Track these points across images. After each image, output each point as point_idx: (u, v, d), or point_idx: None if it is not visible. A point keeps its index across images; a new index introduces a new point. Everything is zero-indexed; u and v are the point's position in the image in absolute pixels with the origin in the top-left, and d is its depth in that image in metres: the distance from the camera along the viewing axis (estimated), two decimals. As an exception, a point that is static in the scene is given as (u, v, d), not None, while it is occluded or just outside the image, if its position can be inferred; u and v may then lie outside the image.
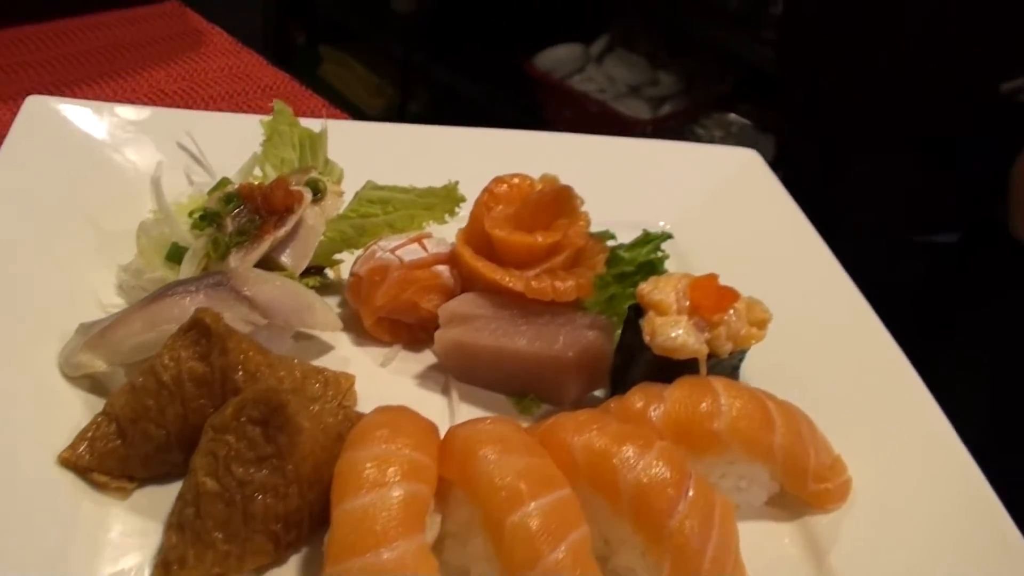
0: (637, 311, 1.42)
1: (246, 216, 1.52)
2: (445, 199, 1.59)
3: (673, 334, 1.34)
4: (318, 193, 1.58)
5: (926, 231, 2.84)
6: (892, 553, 1.28)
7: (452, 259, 1.53)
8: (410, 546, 1.03)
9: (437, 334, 1.44)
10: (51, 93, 1.93)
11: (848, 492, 1.36)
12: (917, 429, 1.43)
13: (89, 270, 1.50)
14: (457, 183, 1.60)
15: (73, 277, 1.48)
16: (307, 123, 1.76)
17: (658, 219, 1.88)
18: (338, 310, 1.58)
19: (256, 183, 1.63)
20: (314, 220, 1.54)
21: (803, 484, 1.32)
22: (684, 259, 1.80)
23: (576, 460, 1.19)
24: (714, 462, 1.30)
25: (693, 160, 2.01)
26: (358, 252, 1.58)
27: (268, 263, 1.51)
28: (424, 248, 1.53)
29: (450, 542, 1.16)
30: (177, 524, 1.14)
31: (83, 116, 1.76)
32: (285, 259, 1.51)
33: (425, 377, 1.49)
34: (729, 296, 1.38)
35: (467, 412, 1.44)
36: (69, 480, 1.18)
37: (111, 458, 1.22)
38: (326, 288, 1.60)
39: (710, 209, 1.90)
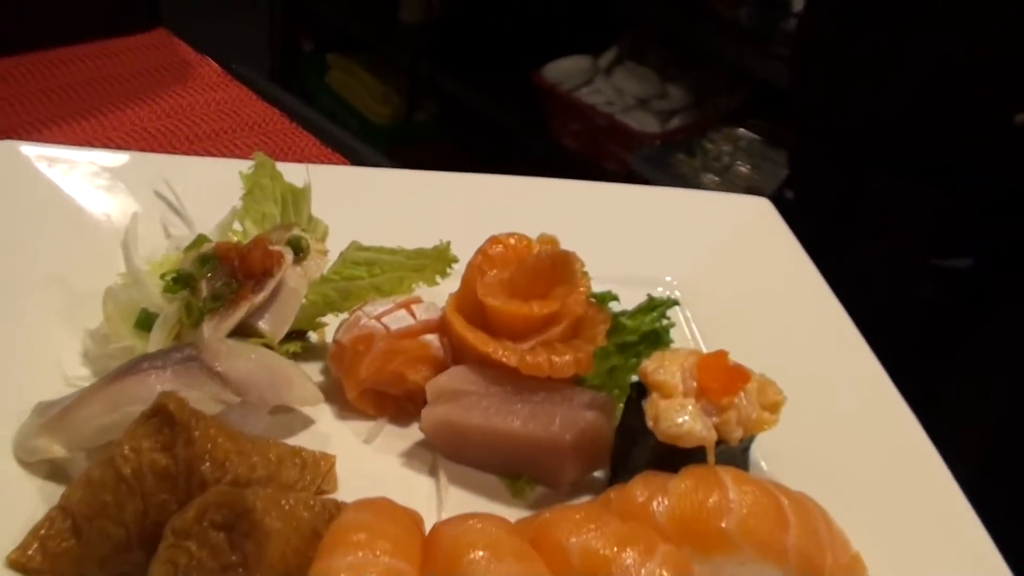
0: (640, 390, 1.32)
1: (222, 279, 1.42)
2: (436, 260, 1.49)
3: (679, 420, 1.24)
4: (300, 252, 1.48)
5: (939, 255, 2.79)
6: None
7: (442, 327, 1.43)
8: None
9: (425, 411, 1.34)
10: (24, 133, 1.84)
11: (867, 593, 1.25)
12: (942, 522, 1.33)
13: (53, 336, 1.41)
14: (449, 243, 1.49)
15: (35, 344, 1.38)
16: (292, 170, 1.65)
17: (663, 274, 1.78)
18: (320, 377, 1.48)
19: (235, 240, 1.53)
20: (295, 283, 1.45)
21: (819, 586, 1.21)
22: (690, 318, 1.71)
23: (572, 564, 1.10)
24: (722, 562, 1.19)
25: (701, 209, 1.92)
26: (343, 315, 1.48)
27: (245, 329, 1.41)
28: (412, 315, 1.43)
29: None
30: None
31: (52, 162, 1.67)
32: (263, 325, 1.42)
33: (412, 456, 1.38)
34: (740, 377, 1.28)
35: (456, 496, 1.33)
36: (18, 585, 1.09)
37: (65, 559, 1.11)
38: (309, 352, 1.50)
39: (719, 264, 1.80)
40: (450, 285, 1.51)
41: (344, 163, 2.06)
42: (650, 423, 1.26)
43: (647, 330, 1.46)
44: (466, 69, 4.98)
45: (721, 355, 1.31)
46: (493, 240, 1.47)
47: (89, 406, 1.23)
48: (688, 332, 1.69)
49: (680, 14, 4.27)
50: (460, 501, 1.32)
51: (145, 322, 1.38)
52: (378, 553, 1.04)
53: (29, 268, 1.48)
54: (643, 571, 1.08)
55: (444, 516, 1.24)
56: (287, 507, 1.12)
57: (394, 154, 4.97)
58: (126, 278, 1.42)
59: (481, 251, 1.46)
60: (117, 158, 1.75)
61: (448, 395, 1.34)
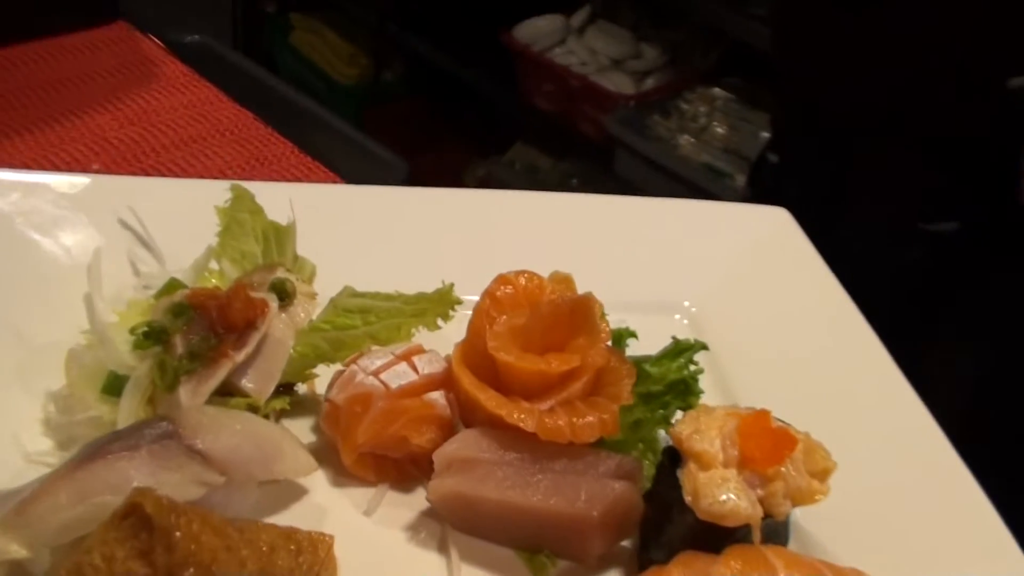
0: (672, 457, 1.18)
1: (198, 333, 1.26)
2: (438, 303, 1.34)
3: (722, 497, 1.10)
4: (285, 297, 1.33)
5: (927, 219, 2.74)
6: None
7: (448, 381, 1.28)
8: None
9: (433, 483, 1.20)
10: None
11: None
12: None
13: (8, 401, 1.25)
14: (452, 286, 1.34)
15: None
16: (271, 192, 1.49)
17: (680, 298, 1.63)
18: (312, 436, 1.34)
19: (212, 282, 1.38)
20: (281, 333, 1.30)
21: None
22: (710, 345, 1.57)
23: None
24: (775, 658, 1.07)
25: (716, 224, 1.77)
26: (335, 365, 1.33)
27: (227, 387, 1.26)
28: (414, 368, 1.28)
29: None
30: None
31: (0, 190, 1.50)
32: (247, 384, 1.27)
33: (418, 528, 1.24)
34: (786, 443, 1.15)
35: (469, 575, 1.20)
36: None
37: None
38: (298, 407, 1.36)
39: (739, 286, 1.66)
40: (453, 329, 1.37)
41: (326, 174, 1.90)
42: (688, 498, 1.12)
43: (674, 379, 1.32)
44: (435, 29, 4.82)
45: (764, 417, 1.17)
46: (501, 280, 1.33)
47: (52, 497, 1.08)
48: (708, 356, 1.55)
49: (653, -29, 4.12)
50: (472, 582, 1.19)
51: (113, 386, 1.23)
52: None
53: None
54: None
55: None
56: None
57: (362, 117, 4.81)
58: (90, 337, 1.26)
59: (488, 293, 1.31)
60: (75, 183, 1.58)
61: (458, 465, 1.20)
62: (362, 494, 1.27)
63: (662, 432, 1.33)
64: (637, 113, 4.21)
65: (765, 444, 1.14)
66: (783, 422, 1.20)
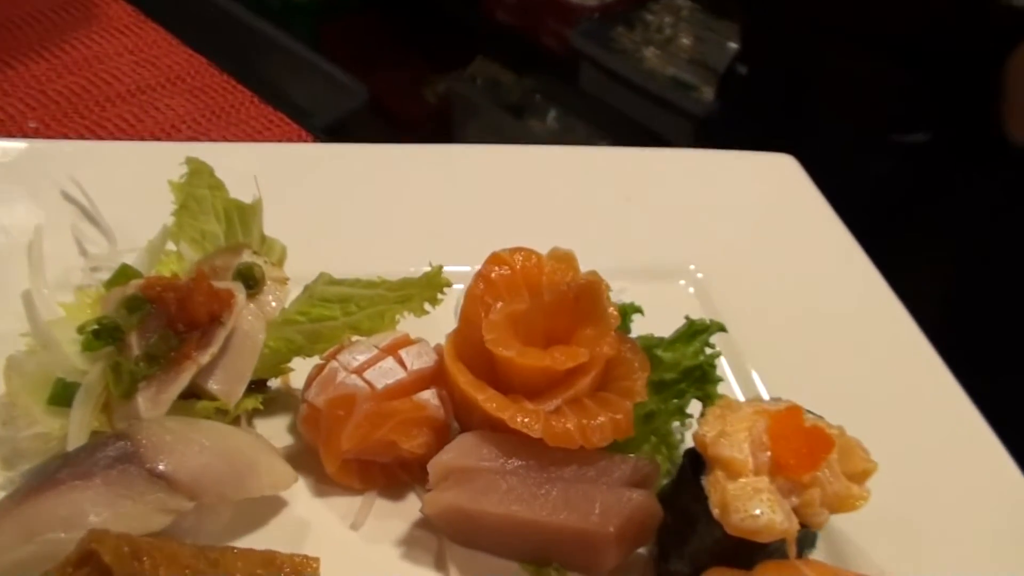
0: (694, 462, 1.06)
1: (157, 330, 1.12)
2: (426, 287, 1.19)
3: (755, 511, 0.98)
4: (253, 284, 1.18)
5: (898, 130, 2.64)
6: None
7: (440, 376, 1.15)
8: None
9: (429, 497, 1.08)
10: None
11: None
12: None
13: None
14: (441, 268, 1.20)
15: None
16: (229, 153, 1.33)
17: (685, 261, 1.50)
18: (289, 439, 1.20)
19: (170, 270, 1.23)
20: (251, 326, 1.16)
21: None
22: (719, 309, 1.44)
23: None
24: None
25: (719, 176, 1.64)
26: (312, 359, 1.19)
27: (192, 389, 1.12)
28: (401, 363, 1.14)
29: None
30: None
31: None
32: (214, 386, 1.13)
33: (411, 541, 1.12)
34: (822, 445, 1.03)
35: (470, 595, 1.08)
36: None
37: None
38: (272, 405, 1.22)
39: (746, 245, 1.54)
40: (441, 309, 1.23)
41: (289, 126, 1.73)
42: (715, 511, 1.00)
43: (689, 365, 1.19)
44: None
45: (795, 414, 1.05)
46: (495, 259, 1.18)
47: (-4, 535, 0.94)
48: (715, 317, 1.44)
49: None
50: (475, 604, 1.08)
51: (62, 396, 1.08)
52: None
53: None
54: None
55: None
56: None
57: (318, 33, 4.58)
58: (31, 340, 1.11)
59: (481, 276, 1.17)
60: (8, 148, 1.42)
61: (456, 475, 1.07)
62: (348, 504, 1.14)
63: (676, 423, 1.21)
64: (601, 25, 4.03)
65: (799, 447, 1.02)
66: (814, 415, 1.08)
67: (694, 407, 1.20)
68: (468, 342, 1.14)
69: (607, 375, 1.14)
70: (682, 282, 1.48)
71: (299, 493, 1.14)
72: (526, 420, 1.07)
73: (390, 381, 1.12)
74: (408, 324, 1.23)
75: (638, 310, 1.29)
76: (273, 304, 1.19)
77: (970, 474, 1.22)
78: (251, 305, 1.17)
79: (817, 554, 1.11)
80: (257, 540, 1.08)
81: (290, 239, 1.29)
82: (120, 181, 1.40)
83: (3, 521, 0.95)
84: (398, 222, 1.43)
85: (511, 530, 1.07)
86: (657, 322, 1.27)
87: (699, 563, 1.05)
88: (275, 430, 1.20)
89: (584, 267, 1.19)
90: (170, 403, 1.08)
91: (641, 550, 1.14)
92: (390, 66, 4.42)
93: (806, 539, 1.07)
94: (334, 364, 1.14)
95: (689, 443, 1.19)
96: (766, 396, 1.30)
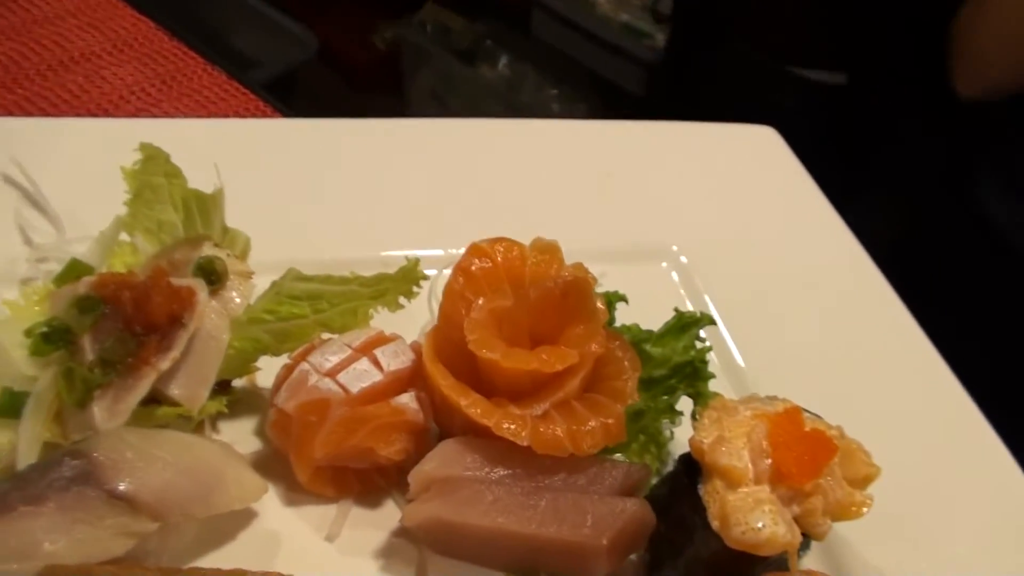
0: (689, 468, 1.01)
1: (112, 332, 1.03)
2: (401, 281, 1.12)
3: (757, 524, 0.94)
4: (215, 280, 1.10)
5: (805, 65, 2.68)
6: None
7: (417, 377, 1.09)
8: None
9: (409, 509, 1.02)
10: None
11: None
12: None
13: None
14: (418, 261, 1.13)
15: None
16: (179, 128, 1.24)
17: (668, 241, 1.44)
18: (257, 443, 1.13)
19: (125, 263, 1.14)
20: (214, 325, 1.08)
21: None
22: (704, 293, 1.39)
23: None
24: None
25: (699, 149, 1.58)
26: (280, 358, 1.12)
27: (152, 394, 1.04)
28: (377, 364, 1.07)
29: None
30: None
31: None
32: (176, 391, 1.05)
33: (390, 553, 1.06)
34: (824, 449, 0.98)
35: (454, 609, 1.03)
36: None
37: None
38: (237, 407, 1.14)
39: (729, 222, 1.49)
40: (415, 303, 1.16)
41: (244, 95, 1.63)
42: (715, 523, 0.95)
43: (679, 361, 1.13)
44: None
45: (795, 417, 1.00)
46: (474, 251, 1.11)
47: (-60, 569, 0.87)
48: (697, 296, 1.39)
49: None
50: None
51: (9, 406, 1.01)
52: None
53: None
54: None
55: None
56: None
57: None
58: (-26, 345, 1.02)
59: (460, 269, 1.10)
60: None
61: (439, 486, 1.01)
62: (321, 514, 1.08)
63: (666, 421, 1.15)
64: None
65: (801, 454, 0.97)
66: (812, 414, 1.03)
67: (683, 403, 1.14)
68: (448, 341, 1.08)
69: (595, 374, 1.08)
70: (664, 264, 1.42)
71: (269, 503, 1.07)
72: (512, 427, 1.01)
73: (365, 384, 1.05)
74: (379, 315, 1.16)
75: (622, 298, 1.23)
76: (237, 300, 1.11)
77: (968, 471, 1.18)
78: (213, 302, 1.09)
79: (810, 557, 1.07)
80: (225, 557, 1.02)
81: (252, 226, 1.20)
82: (66, 161, 1.30)
83: (-53, 552, 0.87)
84: (364, 203, 1.36)
85: (498, 542, 1.01)
86: (640, 309, 1.21)
87: (694, 573, 1.00)
88: (241, 434, 1.13)
89: (561, 248, 1.12)
90: (129, 413, 1.00)
91: (632, 555, 1.09)
92: (338, 13, 4.29)
93: (801, 545, 1.03)
94: (304, 366, 1.07)
95: (678, 441, 1.15)
96: (754, 389, 1.25)
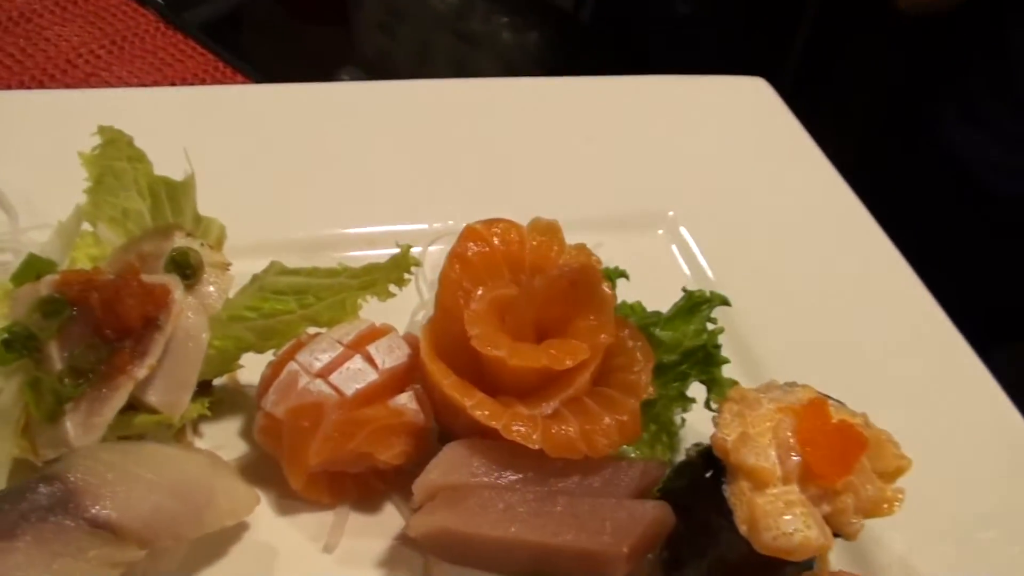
0: (709, 462, 0.95)
1: (82, 337, 0.95)
2: (392, 269, 1.04)
3: (788, 529, 0.88)
4: (190, 274, 1.01)
5: None
6: None
7: (415, 372, 1.01)
8: None
9: (415, 520, 0.95)
10: None
11: None
12: None
13: None
14: (409, 248, 1.04)
15: None
16: (151, 99, 1.14)
17: (663, 207, 1.37)
18: (244, 446, 1.05)
19: (90, 255, 1.05)
20: (191, 324, 0.99)
21: None
22: (703, 261, 1.33)
23: None
24: None
25: (686, 103, 1.50)
26: (266, 355, 1.04)
27: (130, 401, 0.96)
28: (371, 362, 1.00)
29: None
30: None
31: None
32: (153, 398, 0.97)
33: (393, 562, 1.00)
34: (854, 444, 0.93)
35: (464, 620, 0.97)
36: None
37: None
38: (219, 407, 1.06)
39: (724, 181, 1.42)
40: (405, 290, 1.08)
41: (203, 55, 1.52)
42: (743, 527, 0.90)
43: (691, 346, 1.07)
44: None
45: (822, 410, 0.94)
46: (470, 234, 1.03)
47: (-94, 617, 0.79)
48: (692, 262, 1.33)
49: None
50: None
51: (-29, 424, 0.91)
52: None
53: None
54: None
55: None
56: None
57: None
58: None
59: (456, 255, 1.02)
60: None
61: (446, 495, 0.94)
62: (318, 523, 1.01)
63: (678, 409, 1.09)
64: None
65: (831, 452, 0.91)
66: (836, 401, 0.98)
67: (695, 389, 1.09)
68: (447, 334, 1.00)
69: (605, 365, 1.01)
70: (661, 231, 1.35)
71: (261, 514, 1.00)
72: (523, 429, 0.94)
73: (360, 385, 0.98)
74: (367, 303, 1.08)
75: (623, 274, 1.15)
76: (215, 295, 1.02)
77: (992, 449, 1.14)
78: (190, 299, 1.00)
79: (834, 554, 1.03)
80: (216, 574, 0.95)
81: (222, 208, 1.11)
82: (14, 139, 1.20)
83: (-88, 597, 0.79)
84: (340, 176, 1.27)
85: (510, 551, 0.95)
86: (640, 282, 1.14)
87: (718, 575, 0.95)
88: (226, 437, 1.05)
89: (551, 218, 1.05)
90: (105, 427, 0.92)
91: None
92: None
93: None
94: (293, 366, 0.99)
95: (690, 427, 1.10)
96: (763, 366, 1.20)
